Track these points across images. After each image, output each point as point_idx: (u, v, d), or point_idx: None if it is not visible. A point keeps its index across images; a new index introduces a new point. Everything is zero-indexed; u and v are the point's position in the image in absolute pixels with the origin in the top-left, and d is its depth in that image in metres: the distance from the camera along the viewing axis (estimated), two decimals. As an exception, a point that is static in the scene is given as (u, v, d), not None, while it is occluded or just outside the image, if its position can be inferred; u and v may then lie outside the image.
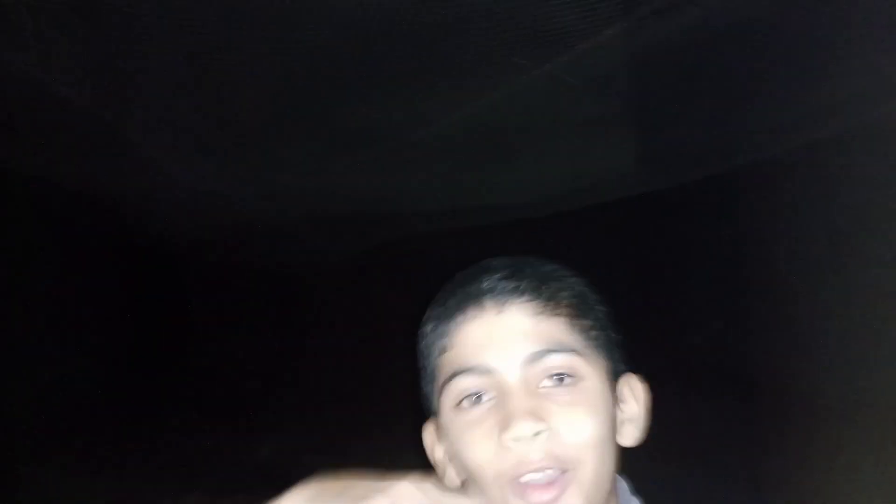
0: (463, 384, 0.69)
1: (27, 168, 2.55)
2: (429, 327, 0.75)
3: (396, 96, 1.99)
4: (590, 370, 0.69)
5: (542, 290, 0.70)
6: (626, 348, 0.77)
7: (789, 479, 3.11)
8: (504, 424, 0.65)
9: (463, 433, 0.68)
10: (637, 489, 0.78)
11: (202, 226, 3.57)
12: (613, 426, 0.71)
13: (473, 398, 0.69)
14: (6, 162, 2.49)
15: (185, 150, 2.40)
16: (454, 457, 0.71)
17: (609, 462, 0.69)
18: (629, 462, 0.80)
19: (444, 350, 0.72)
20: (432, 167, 2.56)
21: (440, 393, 0.72)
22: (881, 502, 2.68)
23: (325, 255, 4.85)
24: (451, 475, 0.74)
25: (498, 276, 0.71)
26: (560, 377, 0.68)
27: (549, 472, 0.65)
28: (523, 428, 0.64)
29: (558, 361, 0.68)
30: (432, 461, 0.77)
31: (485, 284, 0.71)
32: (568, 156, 2.61)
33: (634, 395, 0.76)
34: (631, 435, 0.75)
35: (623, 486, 0.76)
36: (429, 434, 0.78)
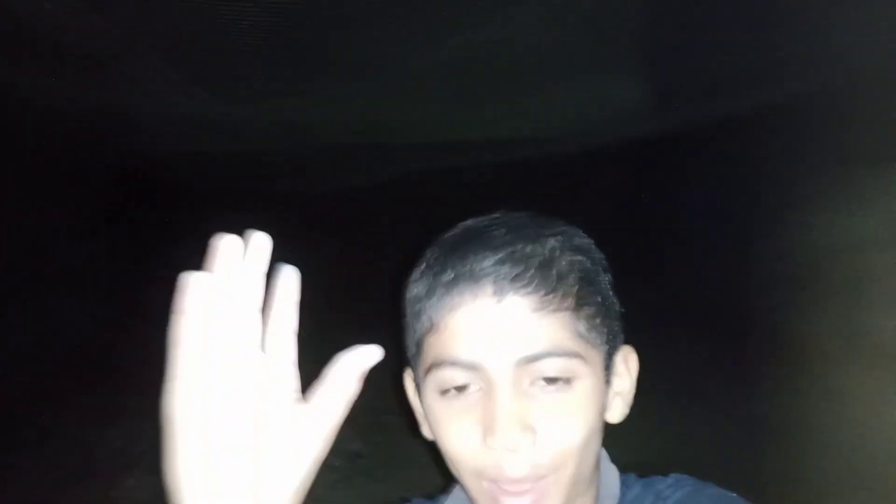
0: (449, 376, 0.65)
1: (33, 93, 2.55)
2: (420, 289, 0.68)
3: (396, 25, 1.97)
4: (587, 370, 0.65)
5: (548, 279, 0.63)
6: (624, 318, 0.71)
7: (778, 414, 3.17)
8: (489, 428, 0.62)
9: (446, 424, 0.66)
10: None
11: (205, 151, 3.57)
12: (601, 417, 0.68)
13: (459, 388, 0.65)
14: (12, 88, 2.49)
15: (188, 75, 2.40)
16: (435, 438, 0.69)
17: (592, 458, 0.67)
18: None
19: (433, 329, 0.66)
20: (431, 99, 2.54)
21: (424, 373, 0.68)
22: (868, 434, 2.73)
23: (325, 185, 4.85)
24: (427, 431, 0.72)
25: (500, 256, 0.64)
26: (553, 379, 0.64)
27: (527, 482, 0.63)
28: (508, 438, 0.61)
29: (555, 365, 0.63)
30: (412, 407, 0.76)
31: (485, 265, 0.63)
32: (567, 93, 2.58)
33: (628, 369, 0.73)
34: (619, 410, 0.72)
35: (603, 453, 0.73)
36: (409, 384, 0.75)
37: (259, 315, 0.50)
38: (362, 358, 0.50)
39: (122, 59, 2.18)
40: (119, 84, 2.41)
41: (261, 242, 0.50)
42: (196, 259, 0.50)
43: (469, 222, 0.70)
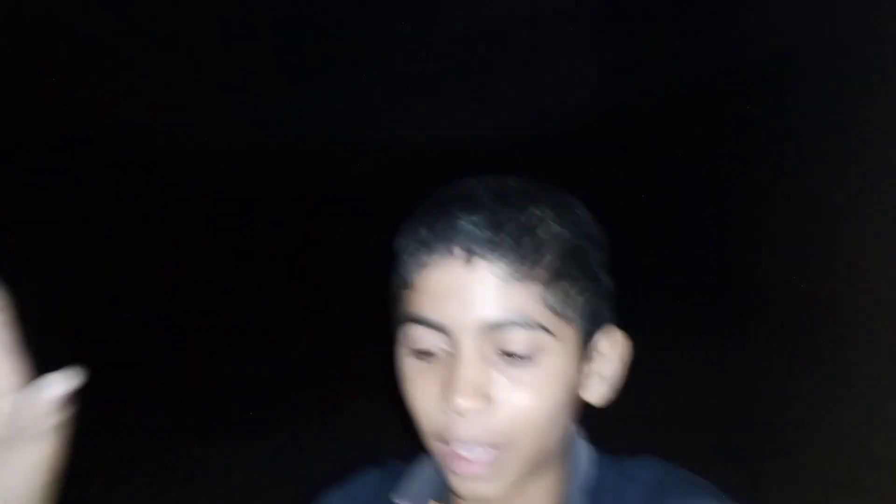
0: (417, 335, 0.64)
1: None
2: (399, 244, 0.67)
3: (374, 20, 2.01)
4: (555, 346, 0.62)
5: (521, 247, 0.61)
6: (613, 298, 0.68)
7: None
8: (446, 390, 0.62)
9: (411, 382, 0.66)
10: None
11: (197, 151, 3.60)
12: (570, 397, 0.66)
13: (426, 350, 0.64)
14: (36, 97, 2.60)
15: (183, 76, 2.51)
16: (402, 394, 0.69)
17: (553, 435, 0.66)
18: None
19: (405, 285, 0.65)
20: (411, 97, 2.59)
21: (396, 328, 0.68)
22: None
23: (306, 185, 4.82)
24: None
25: (475, 218, 0.61)
26: (516, 355, 0.62)
27: (478, 449, 0.62)
28: (462, 404, 0.60)
29: (520, 337, 0.61)
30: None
31: (459, 225, 0.61)
32: (542, 81, 2.59)
33: (615, 352, 0.70)
34: (598, 392, 0.69)
35: (576, 431, 0.72)
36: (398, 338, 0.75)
37: None
38: (62, 384, 0.45)
39: (146, 63, 2.30)
40: (144, 87, 2.51)
41: None
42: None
43: (461, 182, 0.68)
